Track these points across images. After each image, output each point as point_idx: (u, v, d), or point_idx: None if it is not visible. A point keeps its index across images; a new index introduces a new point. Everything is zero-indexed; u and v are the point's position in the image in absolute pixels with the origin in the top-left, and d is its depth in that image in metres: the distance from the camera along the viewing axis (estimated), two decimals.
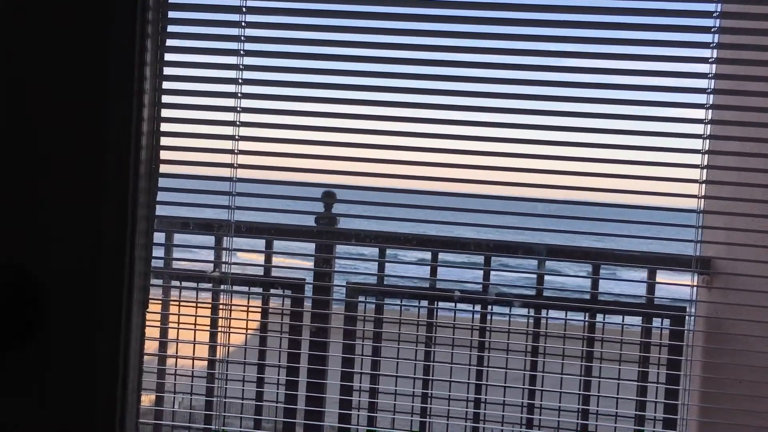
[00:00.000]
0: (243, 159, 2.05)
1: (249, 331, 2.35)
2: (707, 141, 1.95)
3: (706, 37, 1.92)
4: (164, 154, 2.05)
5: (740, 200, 1.96)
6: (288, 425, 2.35)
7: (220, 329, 2.20)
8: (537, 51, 1.96)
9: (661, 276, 2.30)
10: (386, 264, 2.36)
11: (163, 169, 2.06)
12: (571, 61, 1.95)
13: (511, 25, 1.96)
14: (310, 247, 2.33)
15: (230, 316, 2.18)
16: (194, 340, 2.28)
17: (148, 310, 2.07)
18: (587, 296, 2.34)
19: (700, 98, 1.94)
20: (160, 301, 2.22)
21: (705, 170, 1.96)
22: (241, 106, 2.03)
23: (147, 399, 2.25)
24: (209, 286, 2.21)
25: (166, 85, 2.04)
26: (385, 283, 2.43)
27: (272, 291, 2.42)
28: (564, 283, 2.67)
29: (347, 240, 2.26)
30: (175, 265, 2.30)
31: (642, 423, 2.31)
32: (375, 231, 2.23)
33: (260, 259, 2.37)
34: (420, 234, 2.25)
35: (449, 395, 2.39)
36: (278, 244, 2.34)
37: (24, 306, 1.94)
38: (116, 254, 1.94)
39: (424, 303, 2.44)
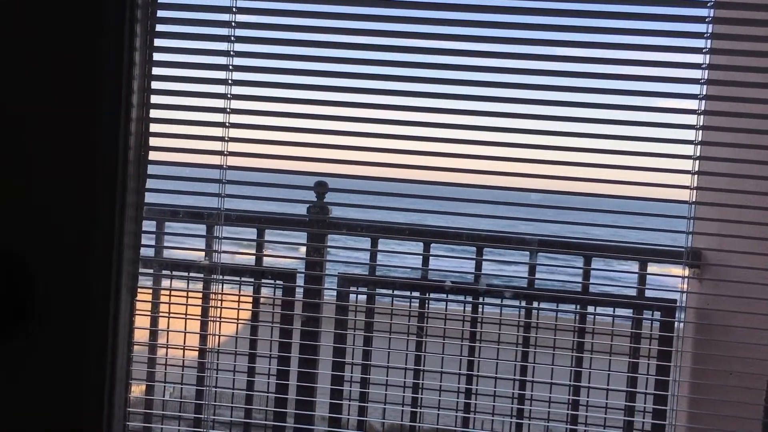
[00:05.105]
0: (233, 146, 2.03)
1: (240, 321, 2.34)
2: (700, 132, 1.94)
3: (699, 27, 1.91)
4: (153, 141, 2.02)
5: (732, 191, 1.96)
6: (279, 415, 2.35)
7: (210, 319, 2.18)
8: (533, 40, 1.94)
9: (652, 267, 2.30)
10: (378, 254, 2.35)
11: (153, 156, 2.04)
12: (566, 50, 1.94)
13: (508, 13, 1.94)
14: (301, 236, 2.32)
15: (221, 305, 2.17)
16: (185, 330, 2.27)
17: (137, 298, 2.05)
18: (578, 287, 2.34)
19: (694, 89, 1.93)
20: (150, 291, 2.21)
21: (697, 161, 1.95)
22: (232, 93, 2.01)
23: (137, 389, 2.23)
24: (200, 275, 2.19)
25: (155, 71, 2.02)
26: (376, 273, 2.43)
27: (263, 281, 2.41)
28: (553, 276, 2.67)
29: (338, 230, 2.24)
30: (165, 253, 2.28)
31: (632, 414, 2.31)
32: (367, 221, 2.21)
33: (251, 248, 2.36)
34: (412, 224, 2.24)
35: (440, 386, 2.39)
36: (269, 234, 2.33)
37: (14, 290, 1.92)
38: (105, 238, 1.92)
39: (416, 294, 2.43)
